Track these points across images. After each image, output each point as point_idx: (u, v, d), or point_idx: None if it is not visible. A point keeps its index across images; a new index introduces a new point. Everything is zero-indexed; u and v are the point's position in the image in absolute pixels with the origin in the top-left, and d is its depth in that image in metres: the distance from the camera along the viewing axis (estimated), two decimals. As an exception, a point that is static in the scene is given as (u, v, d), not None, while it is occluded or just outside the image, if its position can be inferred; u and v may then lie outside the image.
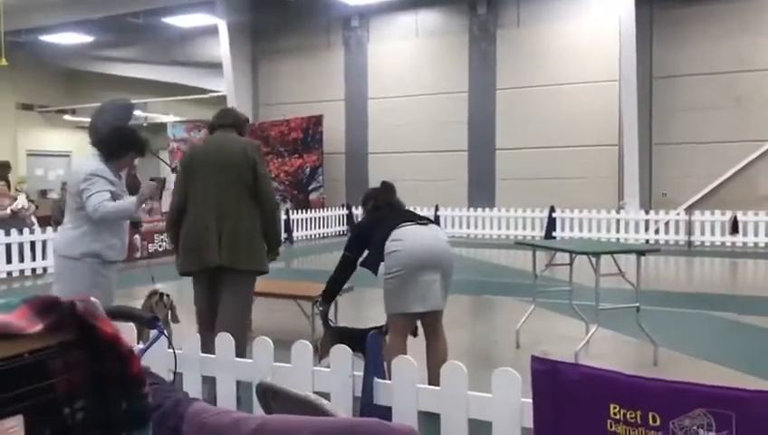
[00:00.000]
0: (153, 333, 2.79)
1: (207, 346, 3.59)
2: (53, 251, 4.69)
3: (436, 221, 14.53)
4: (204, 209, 4.26)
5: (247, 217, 4.26)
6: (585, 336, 5.60)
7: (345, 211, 17.46)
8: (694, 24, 14.67)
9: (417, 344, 4.41)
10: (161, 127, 24.05)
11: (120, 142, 4.43)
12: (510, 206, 15.86)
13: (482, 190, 16.63)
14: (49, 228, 11.11)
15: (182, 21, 18.36)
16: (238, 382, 3.48)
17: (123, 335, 1.55)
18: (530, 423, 2.46)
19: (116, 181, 4.39)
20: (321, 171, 18.07)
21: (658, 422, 2.05)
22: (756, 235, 13.55)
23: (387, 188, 4.67)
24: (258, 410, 2.73)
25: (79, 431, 1.49)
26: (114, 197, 4.29)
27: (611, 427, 2.15)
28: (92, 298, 1.63)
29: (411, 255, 4.06)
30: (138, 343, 3.65)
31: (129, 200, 4.37)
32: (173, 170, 15.55)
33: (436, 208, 15.81)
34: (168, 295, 5.37)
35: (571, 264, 6.05)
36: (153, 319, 2.74)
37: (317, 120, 18.00)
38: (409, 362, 3.02)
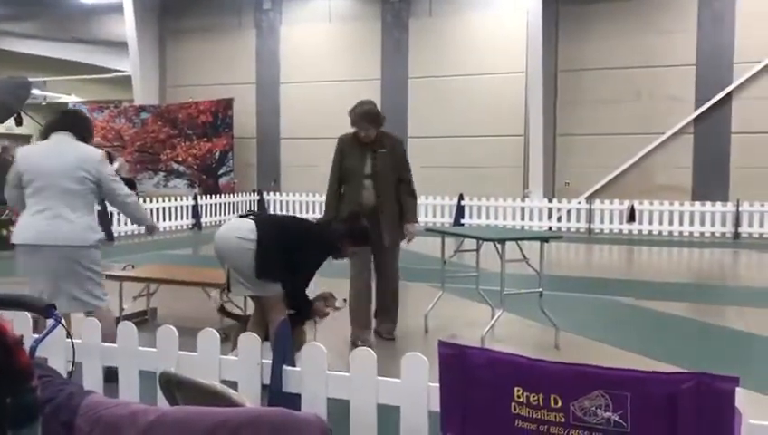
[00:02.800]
0: (49, 322, 2.66)
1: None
2: (51, 244, 4.21)
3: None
4: None
5: None
6: (491, 320, 5.74)
7: (257, 197, 17.21)
8: (598, 21, 15.21)
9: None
10: (62, 107, 22.97)
11: (90, 128, 4.61)
12: (421, 193, 15.92)
13: (393, 177, 16.74)
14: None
15: (84, -4, 17.55)
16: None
17: (8, 325, 1.46)
18: (437, 407, 2.49)
19: None
20: (231, 156, 17.71)
21: (560, 404, 2.12)
22: (651, 223, 14.25)
23: None
24: (162, 402, 2.65)
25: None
26: None
27: (515, 409, 2.20)
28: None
29: (214, 245, 4.40)
30: (33, 332, 3.48)
31: (145, 211, 4.98)
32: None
33: (348, 195, 15.84)
34: None
35: (477, 250, 6.18)
36: (49, 307, 2.61)
37: (227, 104, 17.61)
38: (318, 349, 3.01)
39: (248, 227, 4.22)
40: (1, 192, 4.78)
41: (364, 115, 5.66)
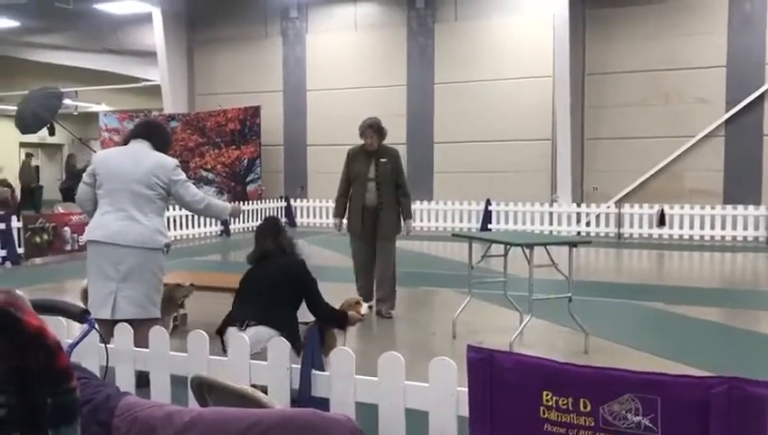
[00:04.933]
0: (83, 327, 2.72)
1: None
2: (122, 244, 4.35)
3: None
4: None
5: None
6: (519, 326, 5.71)
7: (284, 203, 17.32)
8: (624, 24, 15.08)
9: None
10: (93, 116, 23.37)
11: (168, 139, 4.84)
12: (447, 198, 16.03)
13: (420, 183, 16.73)
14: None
15: (114, 8, 17.83)
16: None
17: (50, 328, 1.50)
18: (466, 412, 2.49)
19: None
20: (258, 163, 17.86)
21: (589, 408, 2.11)
22: (682, 227, 14.06)
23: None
24: (194, 405, 2.69)
25: (0, 429, 1.43)
26: None
27: (544, 413, 2.20)
28: (17, 291, 1.57)
29: None
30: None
31: (224, 205, 5.03)
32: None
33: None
34: None
35: (505, 255, 6.15)
36: (83, 312, 2.67)
37: (255, 111, 17.77)
38: (347, 354, 3.03)
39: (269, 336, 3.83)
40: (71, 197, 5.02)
41: (370, 125, 6.82)
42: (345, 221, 7.11)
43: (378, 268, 6.95)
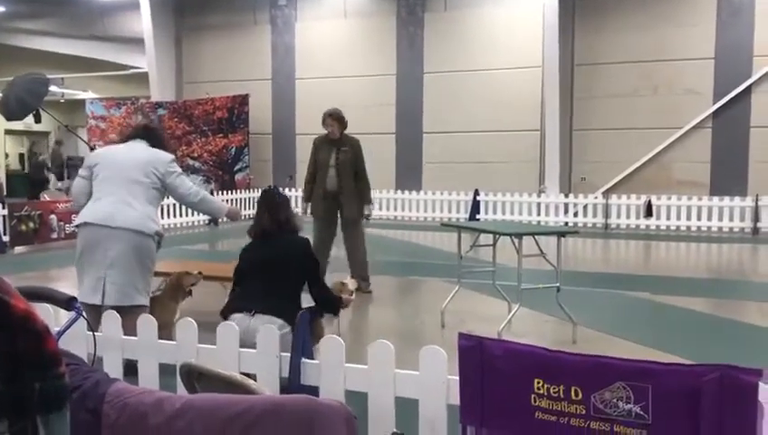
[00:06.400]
0: (71, 314, 2.69)
1: None
2: (112, 226, 4.30)
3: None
4: None
5: None
6: (508, 315, 5.72)
7: (271, 193, 17.25)
8: (614, 14, 15.10)
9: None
10: (80, 104, 23.14)
11: (164, 140, 4.87)
12: (436, 188, 16.03)
13: (409, 173, 16.74)
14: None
15: (101, -7, 17.65)
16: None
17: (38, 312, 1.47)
18: (455, 400, 2.49)
19: None
20: (246, 151, 17.78)
21: (580, 396, 2.11)
22: (669, 218, 14.14)
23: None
24: (182, 393, 2.67)
25: (-13, 415, 1.41)
26: None
27: (535, 401, 2.20)
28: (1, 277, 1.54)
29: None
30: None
31: (221, 204, 5.10)
32: (92, 149, 14.96)
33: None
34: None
35: (494, 245, 6.16)
36: (70, 300, 2.64)
37: (243, 100, 17.66)
38: (336, 342, 3.02)
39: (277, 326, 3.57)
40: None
41: (330, 114, 7.47)
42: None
43: (350, 251, 7.50)
